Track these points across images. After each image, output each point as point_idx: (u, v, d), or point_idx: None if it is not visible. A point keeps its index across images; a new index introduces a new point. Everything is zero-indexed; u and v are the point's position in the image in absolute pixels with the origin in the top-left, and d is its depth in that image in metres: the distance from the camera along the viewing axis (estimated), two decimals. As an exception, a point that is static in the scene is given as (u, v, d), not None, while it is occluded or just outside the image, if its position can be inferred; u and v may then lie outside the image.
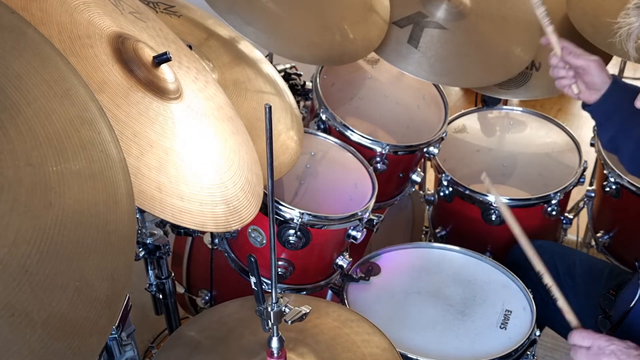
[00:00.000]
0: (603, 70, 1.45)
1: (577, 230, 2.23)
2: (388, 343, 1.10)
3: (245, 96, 1.43)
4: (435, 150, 1.76)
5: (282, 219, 1.39)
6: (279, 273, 1.46)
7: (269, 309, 0.95)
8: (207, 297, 1.76)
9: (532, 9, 1.44)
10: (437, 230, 2.00)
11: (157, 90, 1.03)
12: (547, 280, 1.20)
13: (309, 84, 1.86)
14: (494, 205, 1.77)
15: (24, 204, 0.66)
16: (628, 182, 1.77)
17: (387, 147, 1.67)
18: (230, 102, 1.27)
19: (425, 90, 1.95)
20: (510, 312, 1.42)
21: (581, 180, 1.86)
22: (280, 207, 1.38)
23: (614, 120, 1.46)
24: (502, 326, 1.39)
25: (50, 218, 0.68)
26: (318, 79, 1.75)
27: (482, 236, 1.87)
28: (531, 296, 1.45)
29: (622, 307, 1.40)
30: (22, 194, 0.67)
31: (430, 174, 2.03)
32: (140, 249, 1.25)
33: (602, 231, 1.99)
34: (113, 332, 1.07)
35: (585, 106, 1.50)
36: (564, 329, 1.32)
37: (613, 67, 2.15)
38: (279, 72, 1.73)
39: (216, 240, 1.55)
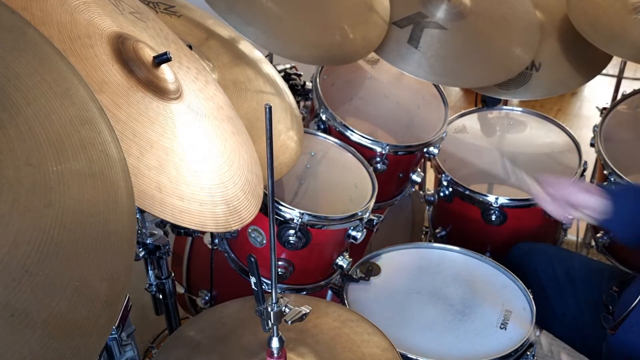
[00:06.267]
0: (590, 193, 1.39)
1: (577, 231, 2.23)
2: (388, 343, 1.10)
3: (245, 96, 1.43)
4: (435, 150, 1.76)
5: (282, 219, 1.39)
6: (279, 273, 1.46)
7: (269, 309, 0.95)
8: (207, 297, 1.76)
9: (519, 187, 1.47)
10: (437, 230, 2.00)
11: (157, 90, 1.03)
12: None
13: (309, 84, 1.86)
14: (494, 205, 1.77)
15: (24, 204, 0.66)
16: (628, 182, 1.77)
17: (387, 147, 1.67)
18: (230, 102, 1.27)
19: (425, 90, 1.95)
20: (510, 312, 1.42)
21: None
22: (280, 207, 1.38)
23: (631, 226, 1.40)
24: (502, 326, 1.39)
25: (50, 218, 0.68)
26: (318, 79, 1.75)
27: (482, 236, 1.87)
28: (531, 296, 1.45)
29: (625, 303, 1.40)
30: (22, 194, 0.67)
31: (430, 174, 2.03)
32: (140, 249, 1.25)
33: (602, 231, 1.98)
34: (113, 332, 1.07)
35: (601, 223, 1.42)
36: (561, 331, 1.32)
37: (613, 67, 2.16)
38: (279, 72, 1.73)
39: (216, 240, 1.55)
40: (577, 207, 1.39)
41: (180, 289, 1.83)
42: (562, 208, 1.40)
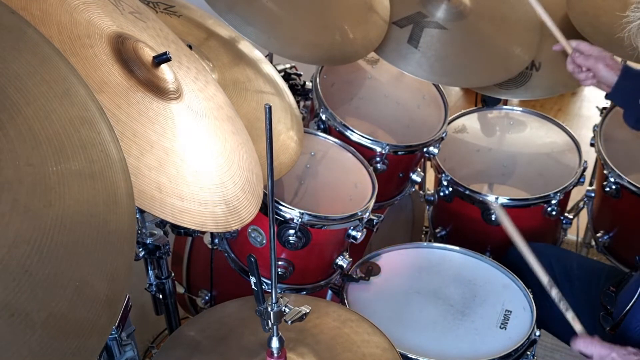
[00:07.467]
0: (611, 69, 1.59)
1: (577, 230, 2.23)
2: (388, 343, 1.10)
3: (245, 96, 1.43)
4: (435, 150, 1.76)
5: (282, 219, 1.39)
6: (279, 273, 1.46)
7: (269, 309, 0.95)
8: (207, 297, 1.76)
9: (539, 18, 1.65)
10: (437, 230, 2.00)
11: (157, 90, 1.03)
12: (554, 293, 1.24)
13: (309, 84, 1.86)
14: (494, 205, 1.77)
15: (24, 204, 0.66)
16: (628, 182, 1.77)
17: (387, 147, 1.67)
18: (230, 102, 1.27)
19: (425, 90, 1.95)
20: (510, 312, 1.42)
21: (581, 180, 1.86)
22: (280, 207, 1.38)
23: (634, 104, 1.57)
24: (502, 326, 1.39)
25: (50, 218, 0.68)
26: (318, 79, 1.75)
27: (482, 236, 1.87)
28: (531, 296, 1.45)
29: (623, 303, 1.40)
30: (22, 194, 0.67)
31: (430, 174, 2.03)
32: (140, 249, 1.25)
33: (602, 231, 1.99)
34: (113, 332, 1.07)
35: (606, 95, 1.66)
36: (561, 332, 1.33)
37: (613, 67, 2.16)
38: (279, 72, 1.73)
39: (216, 240, 1.55)
40: (593, 72, 1.61)
41: (180, 289, 1.83)
42: (581, 73, 1.63)
